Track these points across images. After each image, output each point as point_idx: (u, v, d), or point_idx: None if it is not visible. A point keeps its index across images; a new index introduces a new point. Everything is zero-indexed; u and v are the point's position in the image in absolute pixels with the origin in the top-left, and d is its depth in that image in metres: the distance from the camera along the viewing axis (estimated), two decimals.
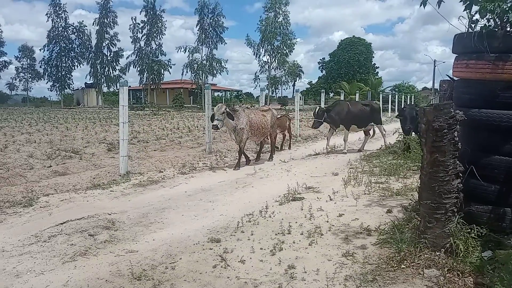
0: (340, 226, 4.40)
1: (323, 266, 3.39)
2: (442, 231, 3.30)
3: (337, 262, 3.45)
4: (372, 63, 58.40)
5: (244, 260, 3.53)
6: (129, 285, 3.12)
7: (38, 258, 3.69)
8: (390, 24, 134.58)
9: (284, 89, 51.45)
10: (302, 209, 5.02)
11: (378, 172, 7.33)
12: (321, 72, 64.07)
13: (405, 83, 53.61)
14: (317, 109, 10.44)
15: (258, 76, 44.52)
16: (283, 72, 44.66)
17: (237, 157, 8.76)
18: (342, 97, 16.63)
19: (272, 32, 41.60)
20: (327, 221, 4.52)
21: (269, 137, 9.64)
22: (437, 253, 3.28)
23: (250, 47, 43.42)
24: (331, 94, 48.00)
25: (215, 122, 8.15)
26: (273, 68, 43.74)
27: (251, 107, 11.01)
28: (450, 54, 4.00)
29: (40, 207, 5.44)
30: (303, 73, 55.75)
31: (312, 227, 4.32)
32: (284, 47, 42.91)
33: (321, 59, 65.37)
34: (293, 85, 51.17)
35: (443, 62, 46.31)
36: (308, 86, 63.59)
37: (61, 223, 4.64)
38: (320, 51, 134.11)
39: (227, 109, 8.18)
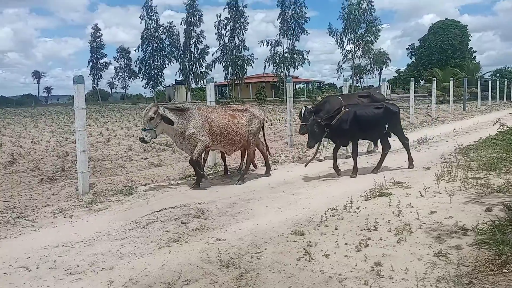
0: (431, 224, 4.14)
1: (412, 265, 3.23)
2: None
3: (428, 262, 3.26)
4: (469, 47, 53.44)
5: (328, 255, 3.51)
6: (218, 272, 3.29)
7: (138, 243, 4.05)
8: (489, 3, 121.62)
9: (369, 78, 49.50)
10: (389, 205, 4.83)
11: (475, 166, 6.73)
12: (410, 59, 60.67)
13: (509, 68, 48.06)
14: (303, 110, 8.01)
15: (341, 65, 43.37)
16: (368, 60, 42.99)
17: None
18: (434, 86, 15.27)
19: (356, 19, 40.16)
20: (417, 219, 4.29)
21: (247, 149, 7.01)
22: None
23: (332, 37, 42.47)
24: (422, 82, 44.98)
25: (141, 135, 6.17)
26: (357, 57, 42.31)
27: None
28: None
29: (139, 195, 5.97)
30: (390, 60, 53.10)
31: (401, 224, 4.13)
32: (369, 35, 41.26)
33: (410, 45, 61.92)
34: (379, 74, 49.03)
35: None
36: (396, 74, 60.40)
37: (157, 211, 5.05)
38: (408, 36, 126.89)
39: (162, 111, 6.05)
